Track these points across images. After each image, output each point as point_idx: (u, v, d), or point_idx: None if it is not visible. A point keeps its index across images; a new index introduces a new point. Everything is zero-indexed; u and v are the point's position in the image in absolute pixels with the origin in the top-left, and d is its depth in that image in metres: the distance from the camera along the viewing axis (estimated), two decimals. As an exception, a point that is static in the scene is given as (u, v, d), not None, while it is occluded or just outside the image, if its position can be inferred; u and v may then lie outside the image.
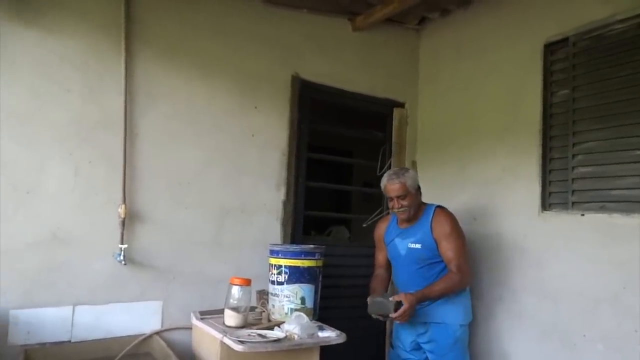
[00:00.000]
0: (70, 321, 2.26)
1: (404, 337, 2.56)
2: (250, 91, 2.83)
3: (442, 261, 2.41)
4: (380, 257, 2.70)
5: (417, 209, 2.48)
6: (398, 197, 2.42)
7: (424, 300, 2.28)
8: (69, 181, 2.31)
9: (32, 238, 2.21)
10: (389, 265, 2.66)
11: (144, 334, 2.40)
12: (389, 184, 2.44)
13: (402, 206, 2.43)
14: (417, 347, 2.53)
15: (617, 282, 2.21)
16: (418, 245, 2.44)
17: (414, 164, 3.42)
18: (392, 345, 2.70)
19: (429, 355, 2.48)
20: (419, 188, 2.49)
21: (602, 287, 2.27)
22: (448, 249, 2.37)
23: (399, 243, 2.53)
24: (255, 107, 2.84)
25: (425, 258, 2.43)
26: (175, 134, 2.59)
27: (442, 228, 2.40)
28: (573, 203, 2.45)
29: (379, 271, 2.66)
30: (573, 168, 2.47)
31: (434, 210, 2.47)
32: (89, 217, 2.35)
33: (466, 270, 2.36)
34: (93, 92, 2.37)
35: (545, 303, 2.51)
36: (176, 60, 2.61)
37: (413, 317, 2.26)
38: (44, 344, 2.19)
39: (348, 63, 3.22)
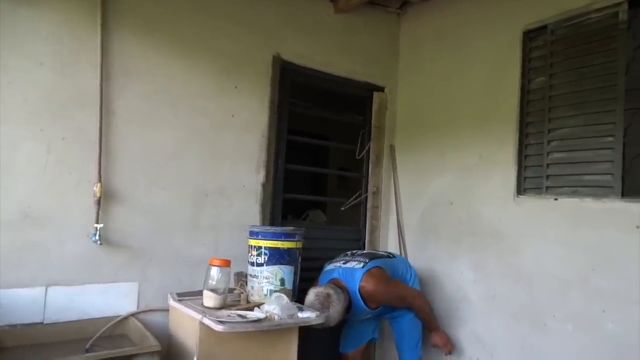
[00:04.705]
0: (42, 302, 2.20)
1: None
2: (231, 71, 2.78)
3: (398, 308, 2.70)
4: None
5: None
6: None
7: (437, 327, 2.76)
8: (40, 158, 2.22)
9: (1, 217, 2.12)
10: None
11: (119, 316, 2.35)
12: None
13: None
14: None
15: (586, 265, 2.29)
16: (369, 315, 2.62)
17: (392, 149, 3.44)
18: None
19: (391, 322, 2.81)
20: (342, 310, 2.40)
21: (573, 270, 2.35)
22: (397, 304, 2.64)
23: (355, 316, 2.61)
24: (236, 87, 2.79)
25: (385, 315, 2.72)
26: (153, 113, 2.52)
27: (376, 301, 2.52)
28: (547, 188, 2.52)
29: None
30: (548, 154, 2.52)
31: (359, 293, 2.47)
32: (63, 196, 2.27)
33: (415, 297, 2.67)
34: (66, 68, 2.28)
35: (518, 285, 2.59)
36: (155, 38, 2.53)
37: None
38: (15, 325, 2.13)
39: (329, 45, 3.19)
